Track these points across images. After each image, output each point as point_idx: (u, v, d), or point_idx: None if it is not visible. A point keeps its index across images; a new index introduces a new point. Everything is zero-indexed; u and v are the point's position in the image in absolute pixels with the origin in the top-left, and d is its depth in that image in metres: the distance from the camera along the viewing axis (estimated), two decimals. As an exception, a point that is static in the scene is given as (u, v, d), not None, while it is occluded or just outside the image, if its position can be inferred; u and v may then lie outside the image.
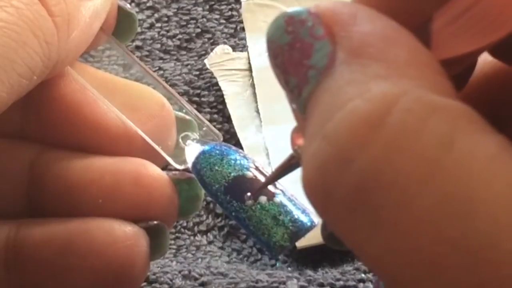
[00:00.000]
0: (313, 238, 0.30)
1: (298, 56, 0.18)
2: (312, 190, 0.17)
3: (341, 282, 0.36)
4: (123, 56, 0.30)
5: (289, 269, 0.39)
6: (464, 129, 0.16)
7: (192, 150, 0.29)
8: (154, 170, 0.28)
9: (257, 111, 0.45)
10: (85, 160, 0.28)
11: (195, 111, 0.30)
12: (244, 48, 0.48)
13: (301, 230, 0.28)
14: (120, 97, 0.29)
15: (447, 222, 0.15)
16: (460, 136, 0.16)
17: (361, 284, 0.36)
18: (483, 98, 0.21)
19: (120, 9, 0.29)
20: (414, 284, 0.16)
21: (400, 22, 0.18)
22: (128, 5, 0.30)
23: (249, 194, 0.28)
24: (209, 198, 0.32)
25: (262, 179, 0.28)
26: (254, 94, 0.46)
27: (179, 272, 0.37)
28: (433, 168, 0.15)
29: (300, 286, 0.36)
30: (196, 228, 0.41)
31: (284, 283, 0.36)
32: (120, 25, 0.30)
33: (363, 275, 0.37)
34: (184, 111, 0.30)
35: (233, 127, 0.44)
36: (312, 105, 0.18)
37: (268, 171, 0.29)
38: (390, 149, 0.16)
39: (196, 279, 0.37)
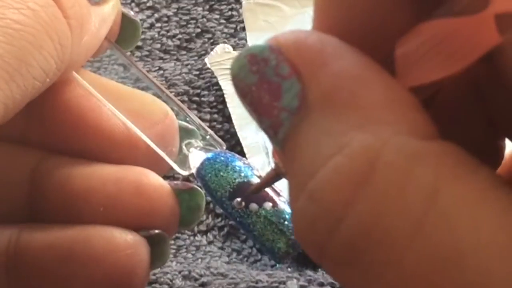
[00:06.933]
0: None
1: (268, 98, 0.18)
2: (305, 245, 0.17)
3: (341, 282, 0.36)
4: (126, 64, 0.30)
5: (289, 269, 0.39)
6: (447, 176, 0.16)
7: (196, 157, 0.29)
8: (155, 179, 0.28)
9: (257, 111, 0.45)
10: (87, 168, 0.28)
11: (199, 120, 0.30)
12: (244, 47, 0.48)
13: None
14: (124, 103, 0.29)
15: (437, 277, 0.15)
16: (444, 185, 0.16)
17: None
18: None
19: (124, 17, 0.29)
20: None
21: (364, 49, 0.18)
22: (132, 12, 0.30)
23: (239, 199, 0.28)
24: (208, 198, 0.32)
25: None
26: (255, 93, 0.46)
27: (179, 272, 0.37)
28: (419, 223, 0.15)
29: (300, 285, 0.36)
30: (196, 228, 0.41)
31: (284, 283, 0.36)
32: (124, 33, 0.30)
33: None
34: (187, 119, 0.30)
35: (233, 127, 0.44)
36: (290, 148, 0.18)
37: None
38: (376, 207, 0.16)
39: (196, 279, 0.37)
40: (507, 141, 0.21)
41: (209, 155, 0.29)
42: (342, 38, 0.18)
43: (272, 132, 0.18)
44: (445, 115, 0.18)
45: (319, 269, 0.38)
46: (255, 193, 0.28)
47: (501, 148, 0.21)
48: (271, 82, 0.18)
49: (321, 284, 0.36)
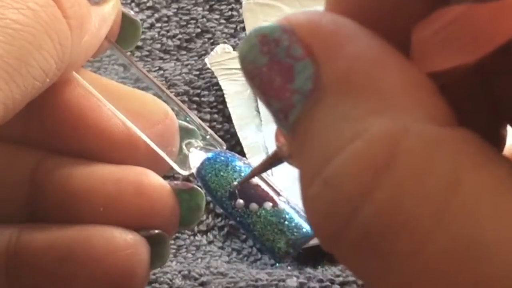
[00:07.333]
0: (314, 239, 0.31)
1: (279, 80, 0.17)
2: (319, 232, 0.17)
3: (341, 278, 0.36)
4: (126, 64, 0.30)
5: (289, 268, 0.39)
6: (467, 165, 0.15)
7: (196, 157, 0.29)
8: (156, 179, 0.28)
9: (258, 110, 0.45)
10: (87, 168, 0.28)
11: (199, 120, 0.30)
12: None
13: (304, 237, 0.28)
14: (124, 103, 0.29)
15: (458, 268, 0.15)
16: (464, 174, 0.15)
17: (361, 280, 0.36)
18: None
19: (124, 17, 0.29)
20: None
21: (379, 33, 0.17)
22: (132, 12, 0.30)
23: (235, 183, 0.28)
24: (208, 198, 0.32)
25: (265, 186, 0.28)
26: (255, 93, 0.46)
27: (179, 272, 0.37)
28: (440, 213, 0.15)
29: (300, 283, 0.36)
30: (196, 228, 0.41)
31: (283, 280, 0.36)
32: (124, 32, 0.30)
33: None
34: (187, 119, 0.30)
35: (233, 127, 0.44)
36: (301, 132, 0.17)
37: (269, 175, 0.29)
38: (396, 195, 0.15)
39: (196, 279, 0.37)
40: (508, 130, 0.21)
41: (209, 155, 0.29)
42: (356, 21, 0.18)
43: (283, 115, 0.17)
44: (449, 101, 0.17)
45: (319, 267, 0.38)
46: (252, 177, 0.28)
47: (503, 137, 0.21)
48: (283, 64, 0.17)
49: (321, 280, 0.36)
